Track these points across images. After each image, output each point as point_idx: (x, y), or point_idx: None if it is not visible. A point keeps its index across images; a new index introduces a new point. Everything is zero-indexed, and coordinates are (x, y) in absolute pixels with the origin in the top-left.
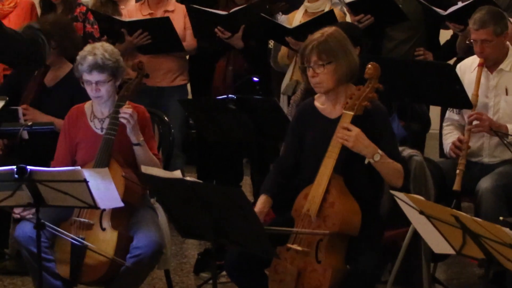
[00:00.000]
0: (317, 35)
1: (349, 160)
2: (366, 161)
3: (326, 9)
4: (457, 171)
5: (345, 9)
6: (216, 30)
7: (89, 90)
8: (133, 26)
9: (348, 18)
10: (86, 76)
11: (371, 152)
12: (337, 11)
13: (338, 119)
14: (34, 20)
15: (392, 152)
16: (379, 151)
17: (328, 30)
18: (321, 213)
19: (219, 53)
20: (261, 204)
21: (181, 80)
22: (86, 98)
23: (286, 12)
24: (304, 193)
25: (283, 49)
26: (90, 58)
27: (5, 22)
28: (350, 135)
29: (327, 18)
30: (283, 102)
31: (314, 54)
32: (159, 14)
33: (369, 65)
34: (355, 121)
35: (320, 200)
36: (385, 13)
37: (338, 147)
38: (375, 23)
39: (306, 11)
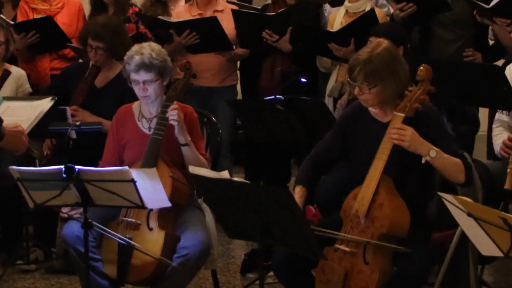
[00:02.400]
0: (365, 55)
1: (399, 162)
2: (423, 160)
3: (367, 9)
4: (508, 170)
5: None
6: (263, 33)
7: (137, 89)
8: (180, 26)
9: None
10: (134, 76)
11: (426, 149)
12: (378, 10)
13: (389, 123)
14: (81, 21)
15: (449, 149)
16: (434, 147)
17: (377, 48)
18: (369, 214)
19: (266, 53)
20: (299, 196)
21: (231, 80)
22: (135, 98)
23: (333, 4)
24: (353, 194)
25: None
26: (137, 58)
27: None
28: (405, 135)
29: (368, 18)
30: (328, 104)
31: (361, 76)
32: (208, 14)
33: (421, 67)
34: (405, 123)
35: (369, 201)
36: (428, 1)
37: (388, 148)
38: (418, 12)
39: (347, 11)
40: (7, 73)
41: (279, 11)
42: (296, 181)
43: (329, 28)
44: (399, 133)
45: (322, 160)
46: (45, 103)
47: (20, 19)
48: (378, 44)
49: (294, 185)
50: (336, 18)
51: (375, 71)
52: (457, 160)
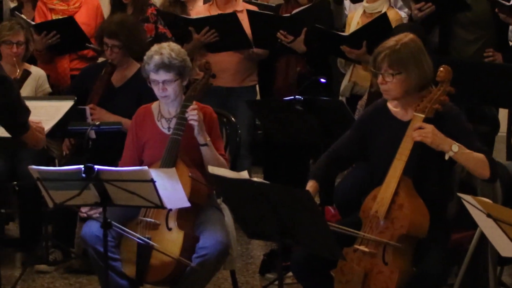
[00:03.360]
0: (392, 42)
1: (418, 162)
2: (446, 156)
3: (384, 10)
4: None
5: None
6: (278, 34)
7: (156, 89)
8: (200, 23)
9: (406, 20)
10: (153, 76)
11: (448, 145)
12: (393, 12)
13: (409, 122)
14: (100, 20)
15: (472, 146)
16: (456, 142)
17: (404, 38)
18: (389, 215)
19: (279, 54)
20: (310, 188)
21: (250, 81)
22: (153, 98)
23: (354, 0)
24: (373, 194)
25: None
26: (156, 58)
27: None
28: (427, 132)
29: (380, 22)
30: None
31: (385, 62)
32: None
33: (441, 68)
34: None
35: (389, 202)
36: (447, 1)
37: (408, 149)
38: (437, 12)
39: (364, 11)
40: (27, 73)
41: (294, 12)
42: (309, 175)
43: (346, 28)
44: (421, 131)
45: (339, 157)
46: (66, 104)
47: (38, 19)
48: (405, 35)
49: (309, 178)
50: (354, 18)
51: (400, 58)
52: (481, 155)
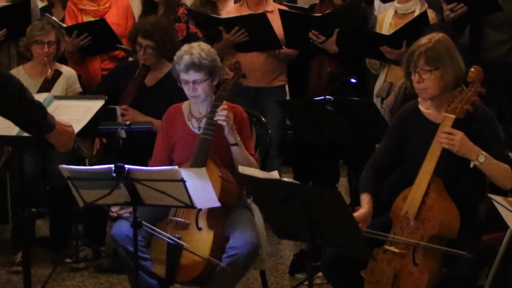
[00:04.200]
0: (424, 40)
1: (449, 163)
2: (471, 165)
3: (417, 10)
4: None
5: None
6: (310, 34)
7: (186, 89)
8: (230, 23)
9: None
10: (183, 76)
11: (475, 154)
12: (429, 12)
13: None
14: (130, 20)
15: (499, 155)
16: (483, 152)
17: (436, 36)
18: (419, 216)
19: (314, 54)
20: (368, 203)
21: (280, 80)
22: (185, 98)
23: (384, 0)
24: (403, 195)
25: None
26: (186, 58)
27: None
28: (455, 140)
29: (420, 21)
30: (376, 104)
31: (422, 59)
32: None
33: (472, 69)
34: (456, 124)
35: (419, 202)
36: (479, 2)
37: (438, 150)
38: (468, 12)
39: (396, 12)
40: (58, 73)
41: (326, 12)
42: (360, 190)
43: (377, 29)
44: (449, 137)
45: (381, 166)
46: (97, 103)
47: (68, 20)
48: (436, 34)
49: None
50: (385, 19)
51: (436, 54)
52: (506, 166)
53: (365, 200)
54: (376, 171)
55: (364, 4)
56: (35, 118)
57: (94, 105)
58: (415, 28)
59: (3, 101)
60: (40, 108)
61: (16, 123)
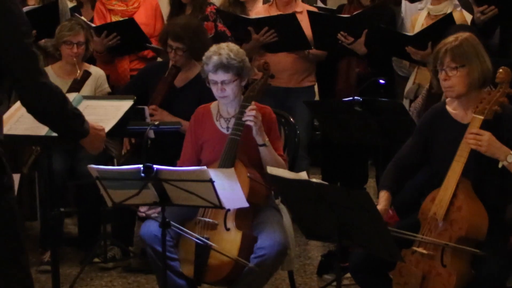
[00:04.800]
0: (451, 38)
1: (478, 165)
2: (500, 165)
3: (449, 12)
4: None
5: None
6: (339, 35)
7: (215, 90)
8: (259, 23)
9: (469, 20)
10: (212, 76)
11: (504, 154)
12: (458, 13)
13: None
14: (159, 20)
15: None
16: (511, 152)
17: (463, 35)
18: (448, 217)
19: (342, 55)
20: (385, 201)
21: (308, 81)
22: (214, 98)
23: (412, 0)
24: (431, 196)
25: None
26: (215, 58)
27: None
28: (482, 140)
29: (446, 22)
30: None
31: (448, 57)
32: None
33: (501, 70)
34: (485, 125)
35: (447, 204)
36: (510, 3)
37: (466, 151)
38: (499, 15)
39: (428, 13)
40: (87, 74)
41: (355, 13)
42: (380, 186)
43: (410, 30)
44: (476, 138)
45: (405, 165)
46: (126, 103)
47: (96, 20)
48: (462, 33)
49: (378, 191)
50: (418, 20)
51: (462, 51)
52: None
53: (383, 197)
54: (398, 170)
55: (391, 5)
56: (73, 127)
57: (123, 105)
58: (440, 29)
59: (45, 113)
60: (79, 117)
61: (54, 130)
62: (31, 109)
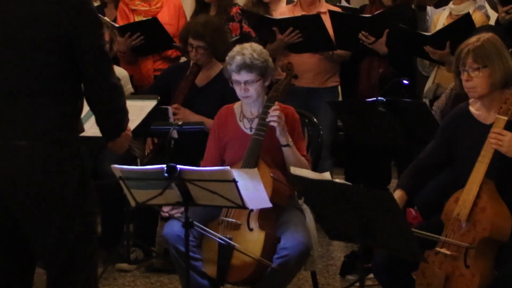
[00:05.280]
0: (473, 39)
1: (501, 166)
2: None
3: (471, 12)
4: None
5: (488, 11)
6: (360, 35)
7: (238, 90)
8: (284, 23)
9: (492, 21)
10: (235, 76)
11: None
12: (479, 14)
13: (492, 126)
14: (182, 20)
15: None
16: None
17: (485, 35)
18: (471, 218)
19: (363, 55)
20: (397, 199)
21: (332, 81)
22: (236, 98)
23: (437, 5)
24: (455, 197)
25: None
26: (238, 58)
27: None
28: (504, 140)
29: (464, 22)
30: None
31: (470, 57)
32: None
33: None
34: (508, 126)
35: (471, 205)
36: None
37: (490, 152)
38: None
39: (450, 13)
40: None
41: (376, 13)
42: (397, 185)
43: (433, 29)
44: (498, 138)
45: (426, 166)
46: (149, 103)
47: (120, 20)
48: (485, 33)
49: (395, 189)
50: (440, 20)
51: (484, 52)
52: None
53: (396, 195)
54: (419, 170)
55: (416, 10)
56: (122, 126)
57: (146, 105)
58: (458, 29)
59: (110, 113)
60: (128, 118)
61: (104, 128)
62: (98, 108)
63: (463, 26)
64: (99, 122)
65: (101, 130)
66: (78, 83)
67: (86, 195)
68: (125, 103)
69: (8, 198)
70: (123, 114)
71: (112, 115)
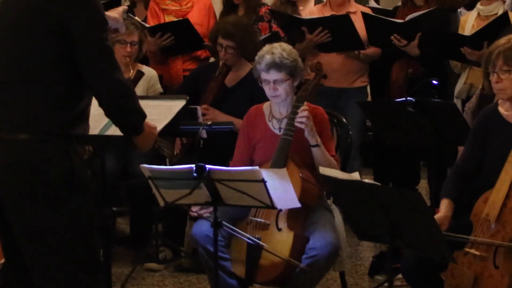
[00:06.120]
0: (503, 41)
1: None
2: None
3: (499, 12)
4: None
5: None
6: (392, 37)
7: (267, 89)
8: (313, 23)
9: None
10: (264, 75)
11: None
12: (511, 15)
13: None
14: (212, 20)
15: None
16: None
17: None
18: (500, 218)
19: (392, 56)
20: (445, 208)
21: (361, 82)
22: (266, 98)
23: (468, 7)
24: (484, 197)
25: None
26: (268, 57)
27: None
28: None
29: (502, 21)
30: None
31: (500, 60)
32: None
33: None
34: None
35: (500, 205)
36: None
37: None
38: None
39: (478, 14)
40: (140, 74)
41: (409, 18)
42: (441, 194)
43: (460, 31)
44: None
45: (465, 170)
46: (178, 103)
47: (150, 20)
48: None
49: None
50: (468, 21)
51: None
52: None
53: (443, 205)
54: (459, 176)
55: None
56: (135, 123)
57: (175, 105)
58: (495, 29)
59: (116, 108)
60: (141, 113)
61: (117, 124)
62: (104, 103)
63: (500, 25)
64: (110, 119)
65: (118, 127)
66: (78, 78)
67: (71, 194)
68: (134, 100)
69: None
70: (133, 111)
71: (119, 112)
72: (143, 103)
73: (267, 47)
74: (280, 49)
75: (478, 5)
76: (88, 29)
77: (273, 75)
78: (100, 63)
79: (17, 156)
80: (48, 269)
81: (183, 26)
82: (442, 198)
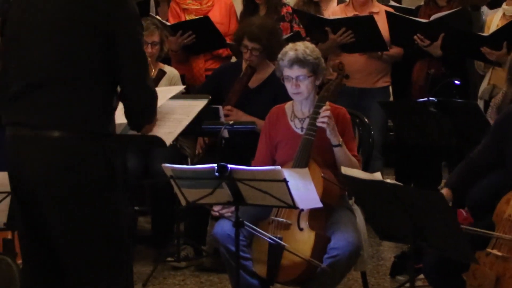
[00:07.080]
0: None
1: None
2: None
3: None
4: None
5: None
6: (415, 37)
7: (289, 86)
8: (336, 24)
9: None
10: (287, 72)
11: None
12: None
13: None
14: (233, 19)
15: None
16: None
17: None
18: None
19: (414, 56)
20: None
21: (383, 82)
22: (289, 98)
23: (491, 6)
24: (506, 198)
25: None
26: (291, 53)
27: None
28: None
29: None
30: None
31: None
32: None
33: None
34: None
35: None
36: None
37: None
38: None
39: (504, 14)
40: (162, 73)
41: (433, 18)
42: (445, 183)
43: (486, 31)
44: None
45: (477, 165)
46: (200, 102)
47: (171, 20)
48: None
49: (444, 187)
50: (493, 21)
51: None
52: None
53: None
54: (467, 169)
55: (470, 10)
56: (148, 123)
57: (197, 105)
58: None
59: (142, 114)
60: (155, 116)
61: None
62: (130, 106)
63: None
64: (127, 117)
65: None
66: (113, 78)
67: (111, 193)
68: (156, 107)
69: (39, 191)
70: (151, 117)
71: (141, 117)
72: (165, 103)
73: (290, 45)
74: (303, 46)
75: (504, 5)
76: (131, 33)
77: (295, 71)
78: (136, 68)
79: (56, 154)
80: (86, 268)
81: (203, 24)
82: (445, 187)
